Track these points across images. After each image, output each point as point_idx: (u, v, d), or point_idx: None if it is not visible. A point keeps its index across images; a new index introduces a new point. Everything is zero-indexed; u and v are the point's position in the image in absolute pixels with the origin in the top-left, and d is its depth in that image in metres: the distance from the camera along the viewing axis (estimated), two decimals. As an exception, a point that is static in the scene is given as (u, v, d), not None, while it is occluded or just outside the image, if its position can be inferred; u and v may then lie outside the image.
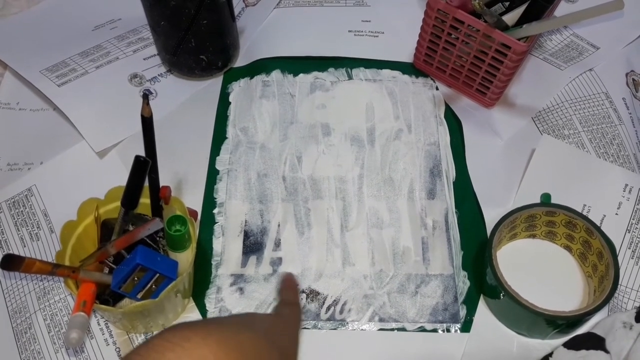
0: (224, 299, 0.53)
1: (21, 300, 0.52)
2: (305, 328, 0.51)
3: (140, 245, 0.44)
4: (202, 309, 0.52)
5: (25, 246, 0.56)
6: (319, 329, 0.51)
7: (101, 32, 0.69)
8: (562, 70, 0.66)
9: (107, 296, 0.45)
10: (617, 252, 0.51)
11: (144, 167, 0.42)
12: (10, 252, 0.55)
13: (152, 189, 0.46)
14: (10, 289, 0.53)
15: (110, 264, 0.46)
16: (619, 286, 0.50)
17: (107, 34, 0.69)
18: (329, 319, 0.52)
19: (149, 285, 0.45)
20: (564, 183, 0.57)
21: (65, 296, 0.52)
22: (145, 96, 0.43)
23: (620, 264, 0.52)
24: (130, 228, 0.46)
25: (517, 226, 0.53)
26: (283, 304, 0.38)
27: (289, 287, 0.40)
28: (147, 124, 0.43)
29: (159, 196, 0.47)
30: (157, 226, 0.43)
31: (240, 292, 0.53)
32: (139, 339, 0.50)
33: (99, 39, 0.68)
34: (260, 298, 0.53)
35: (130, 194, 0.44)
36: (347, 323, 0.52)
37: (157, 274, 0.44)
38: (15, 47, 0.68)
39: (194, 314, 0.52)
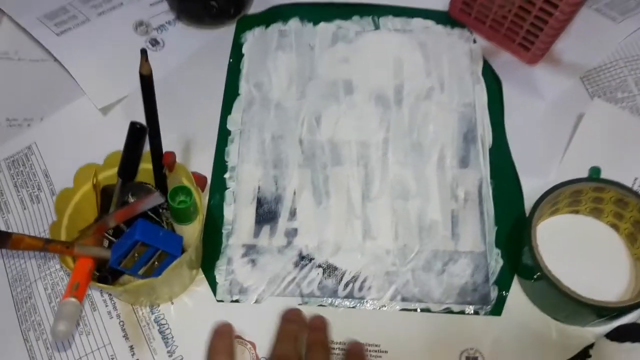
0: (235, 271, 0.49)
1: (21, 267, 0.49)
2: (321, 305, 0.48)
3: (141, 219, 0.40)
4: (212, 281, 0.49)
5: (25, 208, 0.52)
6: (336, 306, 0.48)
7: (104, -26, 0.63)
8: (618, 23, 0.59)
9: (106, 272, 0.41)
10: (673, 235, 0.45)
11: (141, 135, 0.38)
12: (10, 214, 0.52)
13: (154, 156, 0.41)
14: (10, 254, 0.50)
15: (110, 237, 0.42)
16: (673, 273, 0.45)
17: (111, -24, 0.63)
18: (347, 297, 0.48)
19: (151, 261, 0.41)
20: (614, 153, 0.51)
21: (67, 265, 0.49)
22: (144, 52, 0.37)
23: (673, 246, 0.47)
24: (131, 199, 0.42)
25: (559, 202, 0.48)
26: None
27: (319, 347, 0.36)
28: (147, 83, 0.38)
29: (162, 163, 0.42)
30: (157, 201, 0.38)
31: (253, 264, 0.49)
32: (144, 311, 0.47)
33: (101, -19, 0.62)
34: (273, 271, 0.49)
35: (127, 164, 0.39)
36: (367, 301, 0.48)
37: (160, 250, 0.40)
38: (12, -9, 0.62)
39: (202, 287, 0.48)
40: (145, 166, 0.44)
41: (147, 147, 0.42)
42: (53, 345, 0.46)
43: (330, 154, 0.54)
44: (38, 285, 0.48)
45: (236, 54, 0.60)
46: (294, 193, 0.52)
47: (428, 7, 0.61)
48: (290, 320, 0.37)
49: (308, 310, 0.47)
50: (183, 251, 0.41)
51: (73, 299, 0.36)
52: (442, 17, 0.61)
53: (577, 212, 0.50)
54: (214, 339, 0.35)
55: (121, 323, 0.47)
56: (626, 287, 0.47)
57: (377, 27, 0.61)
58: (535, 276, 0.44)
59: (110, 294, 0.47)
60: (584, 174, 0.50)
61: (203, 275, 0.49)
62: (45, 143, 0.55)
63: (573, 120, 0.54)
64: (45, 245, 0.37)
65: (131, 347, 0.46)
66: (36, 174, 0.54)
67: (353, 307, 0.47)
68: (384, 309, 0.47)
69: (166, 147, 0.44)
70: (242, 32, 0.61)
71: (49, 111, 0.56)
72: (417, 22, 0.61)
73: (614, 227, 0.49)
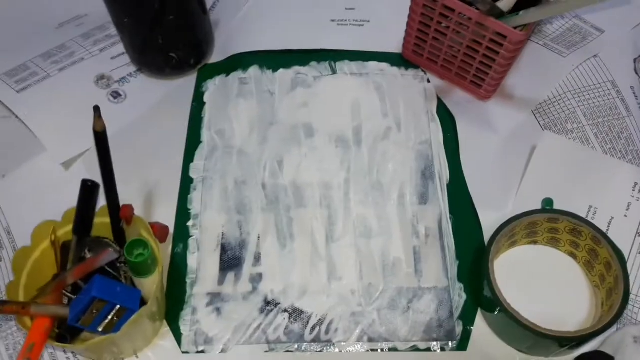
0: (200, 321, 0.49)
1: (-19, 328, 0.49)
2: (288, 351, 0.47)
3: (98, 275, 0.40)
4: (177, 332, 0.48)
5: (-14, 268, 0.51)
6: (303, 351, 0.47)
7: (65, 30, 0.64)
8: (564, 57, 0.61)
9: (65, 330, 0.41)
10: (627, 261, 0.46)
11: (93, 192, 0.38)
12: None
13: (111, 210, 0.42)
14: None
15: (69, 294, 0.42)
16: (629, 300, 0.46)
17: (72, 31, 0.64)
18: (314, 340, 0.48)
19: (110, 317, 0.41)
20: (567, 183, 0.53)
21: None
22: (97, 109, 0.38)
23: (630, 271, 0.48)
24: (88, 255, 0.42)
25: (517, 234, 0.49)
26: None
27: None
28: (101, 139, 0.39)
29: (120, 217, 0.42)
30: (112, 257, 0.38)
31: (218, 313, 0.49)
32: (109, 367, 0.46)
33: (63, 37, 0.63)
34: (239, 319, 0.49)
35: (81, 221, 0.39)
36: (334, 344, 0.48)
37: (118, 306, 0.40)
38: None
39: (167, 340, 0.48)
40: (103, 220, 0.44)
41: (105, 201, 0.43)
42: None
43: (293, 197, 0.54)
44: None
45: (198, 103, 0.60)
46: (258, 237, 0.52)
47: (382, 50, 0.63)
48: None
49: (274, 358, 0.47)
50: (143, 304, 0.41)
51: (27, 362, 0.36)
52: (396, 59, 0.63)
53: (535, 242, 0.51)
54: None
55: (85, 380, 0.46)
56: (587, 315, 0.47)
57: (334, 71, 0.62)
58: (496, 309, 0.44)
59: (73, 352, 0.47)
60: (540, 204, 0.51)
61: (168, 328, 0.48)
62: (7, 200, 0.54)
63: (527, 152, 0.55)
64: (0, 307, 0.37)
65: (95, 406, 0.45)
66: (-2, 232, 0.53)
67: (320, 352, 0.47)
68: (351, 350, 0.47)
69: (128, 197, 0.44)
70: (203, 81, 0.62)
71: (11, 168, 0.56)
72: (373, 65, 0.62)
73: (572, 255, 0.50)
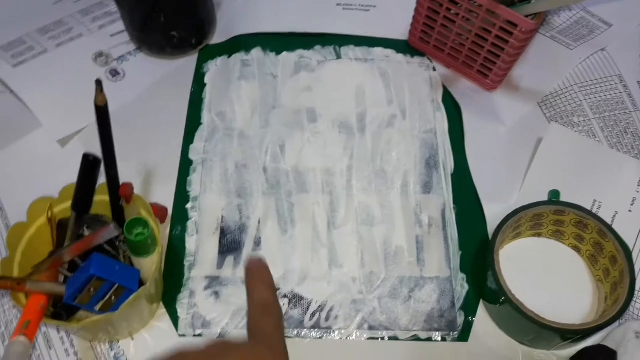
0: (198, 304, 0.48)
1: (-28, 306, 0.47)
2: (287, 337, 0.46)
3: (96, 252, 0.38)
4: (174, 315, 0.47)
5: (-22, 245, 0.50)
6: (303, 337, 0.46)
7: (63, 6, 0.63)
8: (572, 50, 0.60)
9: (61, 308, 0.40)
10: (632, 255, 0.46)
11: (95, 167, 0.37)
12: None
13: (110, 188, 0.40)
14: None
15: (66, 272, 0.41)
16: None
17: (70, 7, 0.62)
18: (313, 327, 0.47)
19: (107, 296, 0.39)
20: (572, 176, 0.52)
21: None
22: (99, 82, 0.37)
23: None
24: (86, 232, 0.41)
25: (521, 225, 0.48)
26: (258, 310, 0.31)
27: (260, 281, 0.33)
28: (102, 114, 0.38)
29: (119, 195, 0.41)
30: (112, 234, 0.37)
31: (216, 297, 0.48)
32: (103, 348, 0.45)
33: (60, 13, 0.61)
34: (237, 303, 0.48)
35: (81, 197, 0.38)
36: (334, 331, 0.47)
37: (116, 285, 0.39)
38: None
39: (163, 321, 0.47)
40: (102, 198, 0.43)
41: (104, 179, 0.41)
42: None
43: (295, 182, 0.53)
44: (-10, 324, 0.46)
45: (198, 84, 0.59)
46: (259, 222, 0.51)
47: (388, 36, 0.62)
48: (256, 269, 0.34)
49: (273, 343, 0.46)
50: (142, 285, 0.40)
51: (22, 338, 0.34)
52: (402, 46, 0.62)
53: (539, 235, 0.50)
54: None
55: (78, 361, 0.45)
56: (590, 309, 0.47)
57: (338, 56, 0.61)
58: (500, 300, 0.44)
59: (67, 331, 0.46)
60: (545, 197, 0.51)
61: (164, 310, 0.47)
62: (0, 176, 0.53)
63: (532, 144, 0.55)
64: (-6, 283, 0.36)
65: (89, 387, 0.44)
66: (-10, 209, 0.52)
67: (320, 338, 0.47)
68: (351, 338, 0.47)
69: (126, 177, 0.43)
70: (204, 62, 0.61)
71: (5, 143, 0.55)
72: (378, 51, 0.61)
73: (576, 249, 0.49)
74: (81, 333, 0.44)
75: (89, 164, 0.37)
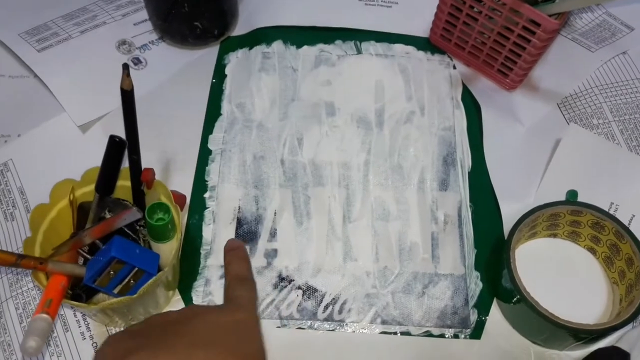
0: (213, 293, 0.48)
1: (-9, 286, 0.48)
2: (300, 328, 0.47)
3: (117, 235, 0.39)
4: (189, 303, 0.48)
5: (-2, 226, 0.51)
6: (315, 329, 0.47)
7: (88, -7, 0.63)
8: (593, 52, 0.60)
9: (80, 290, 0.40)
10: (648, 258, 0.46)
11: (120, 149, 0.37)
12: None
13: (132, 172, 0.41)
14: (-20, 273, 0.49)
15: (85, 254, 0.41)
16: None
17: (95, -5, 0.63)
18: (326, 319, 0.47)
19: (126, 280, 0.40)
20: (590, 178, 0.52)
21: (39, 284, 0.47)
22: (126, 67, 0.37)
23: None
24: (107, 215, 0.41)
25: (538, 225, 0.48)
26: (235, 281, 0.35)
27: (237, 256, 0.37)
28: (128, 98, 0.38)
29: (141, 180, 0.41)
30: (134, 216, 0.38)
31: (231, 286, 0.48)
32: (118, 333, 0.46)
33: (85, 0, 0.62)
34: (252, 293, 0.48)
35: (105, 179, 0.39)
36: (347, 324, 0.47)
37: (136, 268, 0.39)
38: (-7, 7, 0.62)
39: (178, 308, 0.47)
40: (124, 183, 0.43)
41: (126, 164, 0.42)
42: (22, 366, 0.44)
43: (311, 175, 0.54)
44: (9, 304, 0.47)
45: (219, 75, 0.60)
46: (275, 213, 0.52)
47: (409, 33, 0.62)
48: (234, 247, 0.40)
49: (286, 334, 0.46)
50: (159, 270, 0.41)
51: (45, 315, 0.35)
52: (422, 43, 0.62)
53: (555, 235, 0.50)
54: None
55: (94, 344, 0.45)
56: (604, 310, 0.47)
57: (359, 51, 0.61)
58: (514, 299, 0.44)
59: (83, 314, 0.46)
60: (562, 197, 0.51)
61: (179, 297, 0.48)
62: (21, 160, 0.54)
63: (551, 145, 0.55)
64: (18, 261, 0.36)
65: (103, 370, 0.44)
66: (11, 191, 0.52)
67: (332, 330, 0.47)
68: (364, 331, 0.47)
69: (145, 164, 0.43)
70: (225, 53, 0.61)
71: (27, 128, 0.55)
72: (399, 47, 0.62)
73: (591, 250, 0.49)
74: (98, 316, 0.44)
75: (114, 146, 0.37)
